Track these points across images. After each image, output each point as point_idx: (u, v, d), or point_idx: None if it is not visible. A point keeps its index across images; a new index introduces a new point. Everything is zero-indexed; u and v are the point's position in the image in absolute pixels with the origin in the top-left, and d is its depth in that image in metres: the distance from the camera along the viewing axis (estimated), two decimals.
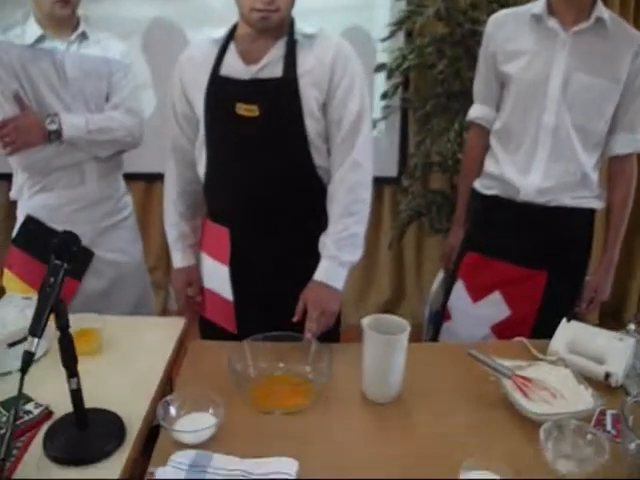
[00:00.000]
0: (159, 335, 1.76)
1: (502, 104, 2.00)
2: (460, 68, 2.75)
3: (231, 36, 1.72)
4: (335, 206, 1.71)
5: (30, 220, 2.01)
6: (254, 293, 1.81)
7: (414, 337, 1.51)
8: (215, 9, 3.12)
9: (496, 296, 2.03)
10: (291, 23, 1.69)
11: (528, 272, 1.99)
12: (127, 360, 1.64)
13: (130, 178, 2.32)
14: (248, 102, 1.65)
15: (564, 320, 1.72)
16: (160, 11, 3.21)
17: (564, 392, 1.48)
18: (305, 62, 1.65)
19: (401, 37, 3.05)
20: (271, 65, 1.66)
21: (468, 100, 2.69)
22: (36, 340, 1.14)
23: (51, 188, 1.99)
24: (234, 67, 1.68)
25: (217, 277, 1.85)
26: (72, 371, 1.27)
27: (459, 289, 2.09)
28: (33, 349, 1.13)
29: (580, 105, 1.85)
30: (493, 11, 2.72)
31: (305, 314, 1.67)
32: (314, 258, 1.72)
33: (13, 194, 2.07)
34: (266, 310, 1.78)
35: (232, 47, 1.71)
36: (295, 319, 1.67)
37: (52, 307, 1.15)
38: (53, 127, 1.88)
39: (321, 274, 1.70)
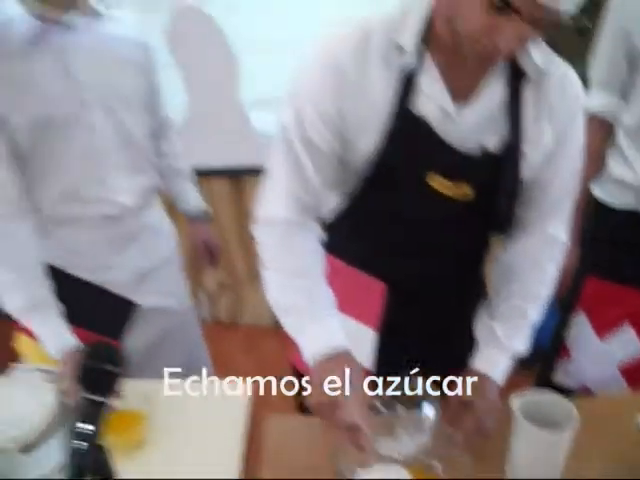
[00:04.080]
0: (223, 411, 1.35)
1: (635, 91, 1.58)
2: None
3: (426, 38, 1.07)
4: (512, 283, 1.25)
5: (49, 270, 1.46)
6: (399, 365, 1.32)
7: None
8: None
9: (627, 331, 1.65)
10: None
11: None
12: (181, 458, 1.23)
13: None
14: (451, 178, 1.12)
15: None
16: None
17: None
18: (534, 117, 1.12)
19: None
20: (488, 116, 1.10)
21: None
22: None
23: (75, 222, 1.49)
24: (434, 102, 1.08)
25: (353, 339, 1.28)
26: None
27: (582, 324, 1.70)
28: None
29: None
30: None
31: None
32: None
33: None
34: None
35: (429, 63, 1.07)
36: (447, 423, 1.17)
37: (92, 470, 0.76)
38: None
39: (484, 364, 1.22)
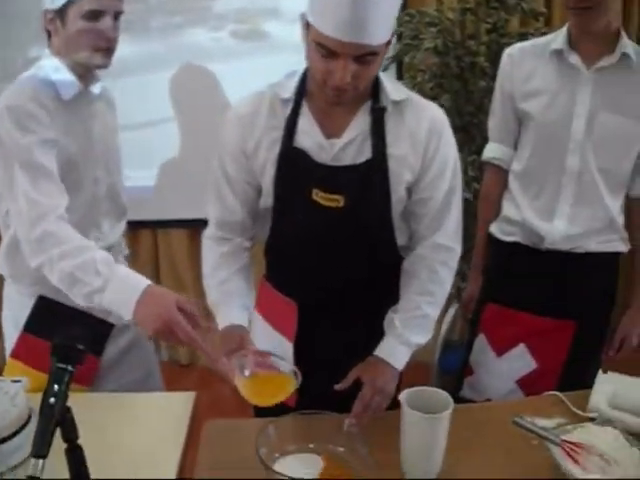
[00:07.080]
0: (167, 416, 1.58)
1: (521, 144, 1.89)
2: (459, 102, 2.64)
3: (302, 91, 1.46)
4: (410, 282, 1.54)
5: (42, 302, 1.69)
6: (316, 372, 1.56)
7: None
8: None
9: (521, 349, 1.91)
10: (375, 84, 1.45)
11: (555, 323, 1.86)
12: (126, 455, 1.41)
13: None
14: (329, 191, 1.44)
15: (600, 372, 1.58)
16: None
17: (617, 457, 1.33)
18: (396, 139, 1.45)
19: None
20: (356, 142, 1.45)
21: (467, 135, 2.61)
22: (41, 462, 0.95)
23: None
24: (311, 138, 1.45)
25: (277, 348, 1.59)
26: None
27: (481, 344, 1.96)
28: (38, 473, 0.94)
29: (606, 146, 1.75)
30: (491, 42, 2.66)
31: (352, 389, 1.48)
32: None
33: None
34: (328, 389, 1.55)
35: (306, 109, 1.46)
36: (339, 387, 1.45)
37: (58, 420, 0.98)
38: None
39: (383, 350, 1.51)
